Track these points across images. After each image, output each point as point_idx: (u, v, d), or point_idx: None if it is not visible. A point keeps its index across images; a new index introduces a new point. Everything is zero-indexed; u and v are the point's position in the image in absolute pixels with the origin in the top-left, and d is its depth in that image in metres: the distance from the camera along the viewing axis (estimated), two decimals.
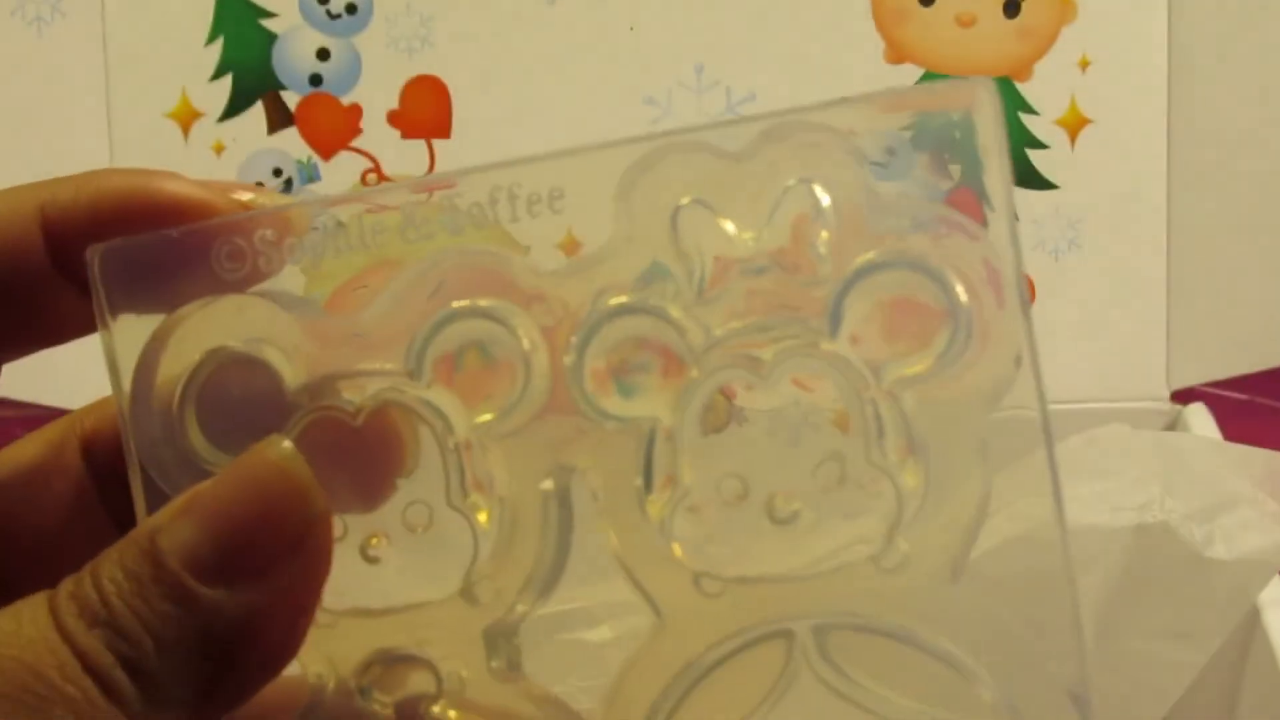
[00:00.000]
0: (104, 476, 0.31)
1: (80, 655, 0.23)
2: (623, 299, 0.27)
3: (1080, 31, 0.60)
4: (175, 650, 0.24)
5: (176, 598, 0.24)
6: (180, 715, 0.24)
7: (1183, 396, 0.60)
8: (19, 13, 0.59)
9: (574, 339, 0.27)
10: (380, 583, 0.27)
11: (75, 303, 0.28)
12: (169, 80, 0.60)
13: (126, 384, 0.28)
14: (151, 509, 0.26)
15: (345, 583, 0.27)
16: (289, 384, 0.27)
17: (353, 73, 0.60)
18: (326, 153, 0.61)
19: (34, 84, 0.59)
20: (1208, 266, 0.59)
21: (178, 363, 0.28)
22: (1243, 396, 0.64)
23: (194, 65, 0.60)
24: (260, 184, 0.60)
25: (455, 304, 0.27)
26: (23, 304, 0.29)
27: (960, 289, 0.25)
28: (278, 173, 0.61)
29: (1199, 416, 0.58)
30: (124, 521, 0.25)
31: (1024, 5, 0.60)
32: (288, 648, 0.25)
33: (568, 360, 0.26)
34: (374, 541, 0.27)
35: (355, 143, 0.61)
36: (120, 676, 0.23)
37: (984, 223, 0.26)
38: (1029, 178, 0.60)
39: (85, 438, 0.31)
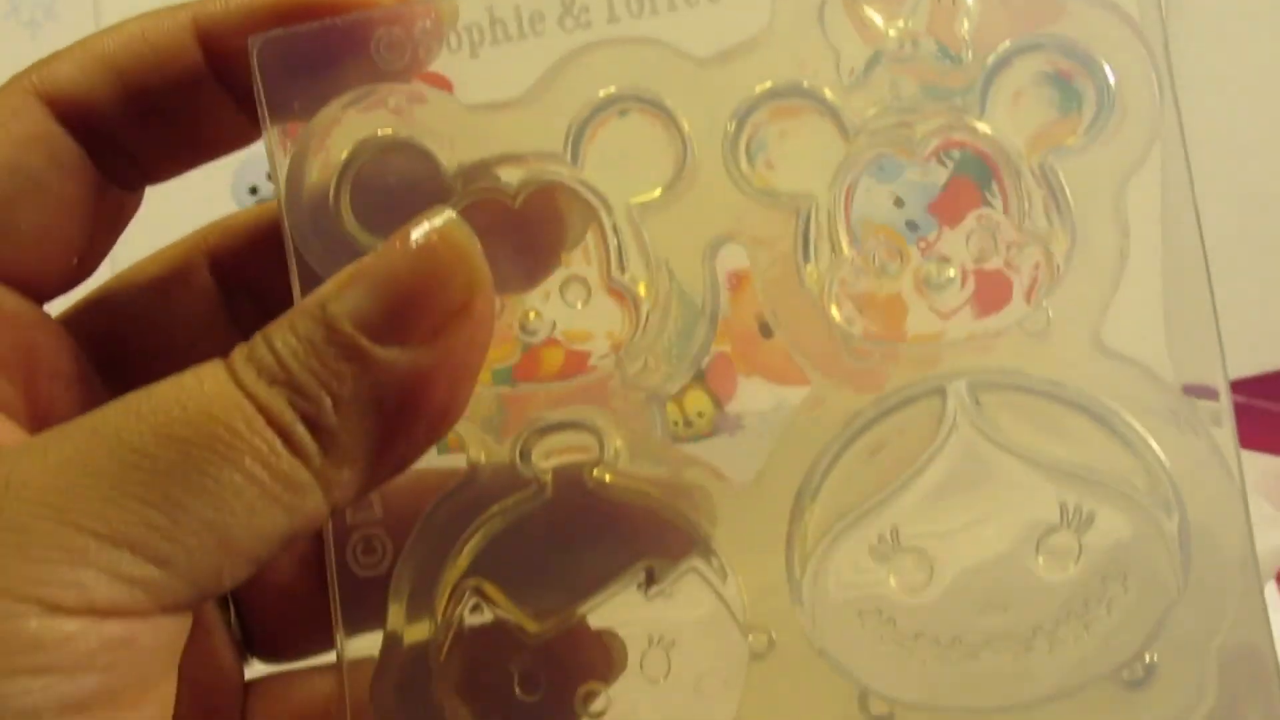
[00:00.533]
0: (233, 292, 0.31)
1: (263, 410, 0.24)
2: (776, 83, 0.28)
3: None
4: (351, 407, 0.24)
5: (351, 356, 0.24)
6: (354, 472, 0.24)
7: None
8: (12, 15, 0.59)
9: (731, 122, 0.28)
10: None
11: (234, 115, 0.29)
12: None
13: (283, 174, 0.28)
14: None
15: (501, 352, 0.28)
16: (445, 168, 0.28)
17: None
18: None
19: None
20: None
21: (334, 151, 0.28)
22: (1240, 399, 0.66)
23: None
24: None
25: (612, 89, 0.28)
26: (182, 115, 0.29)
27: (1108, 68, 0.27)
28: (269, 176, 0.61)
29: None
30: (252, 333, 0.26)
31: None
32: (453, 409, 0.25)
33: (725, 143, 0.28)
34: (531, 315, 0.28)
35: None
36: (301, 431, 0.24)
37: None
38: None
39: (212, 253, 0.31)
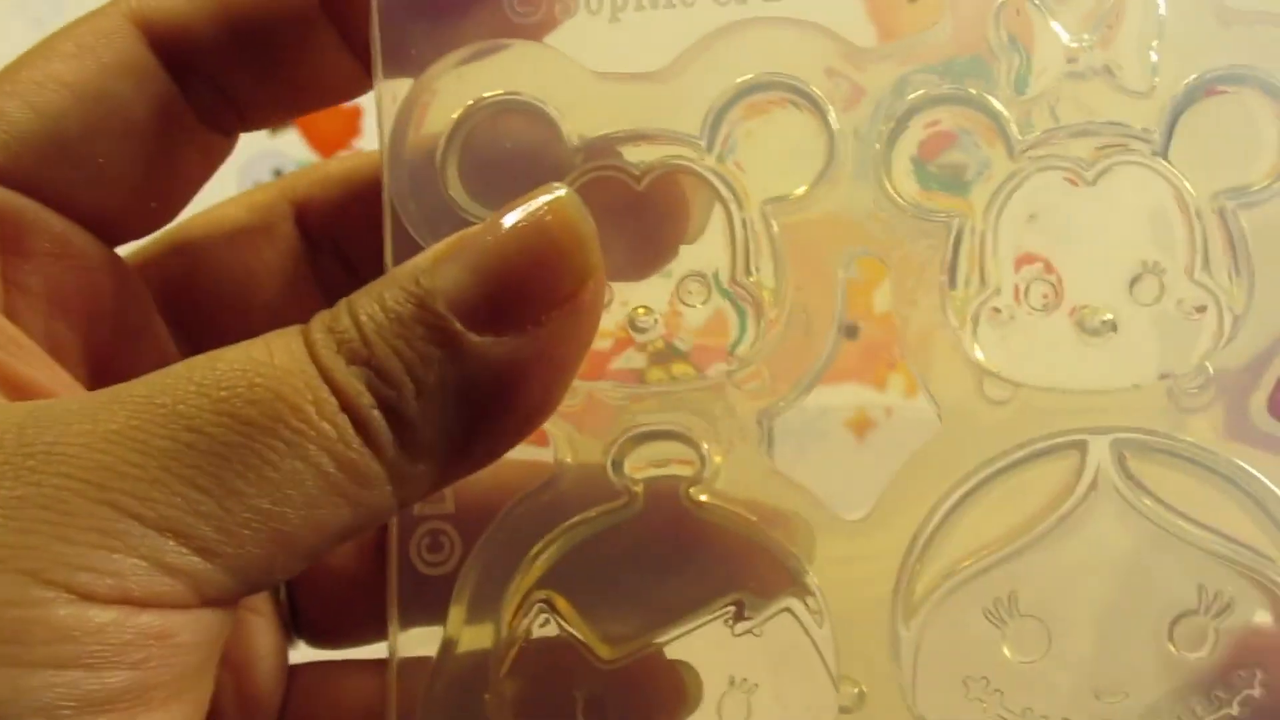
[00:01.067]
0: (319, 248, 0.29)
1: (338, 392, 0.21)
2: (941, 88, 0.25)
3: None
4: (435, 396, 0.22)
5: (441, 340, 0.22)
6: (432, 466, 0.22)
7: None
8: (20, 12, 0.58)
9: (883, 124, 0.25)
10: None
11: (347, 61, 0.27)
12: None
13: (388, 128, 0.26)
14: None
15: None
16: (566, 139, 0.26)
17: None
18: (327, 154, 0.60)
19: None
20: None
21: (446, 108, 0.26)
22: None
23: None
24: None
25: (762, 74, 0.25)
26: (288, 56, 0.27)
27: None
28: (278, 174, 0.60)
29: None
30: (336, 293, 0.23)
31: None
32: (547, 405, 0.23)
33: (877, 145, 0.25)
34: (640, 312, 0.25)
35: (356, 144, 0.59)
36: (378, 418, 0.21)
37: None
38: None
39: (299, 204, 0.29)
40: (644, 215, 0.26)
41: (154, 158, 0.26)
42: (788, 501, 0.26)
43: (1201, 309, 0.25)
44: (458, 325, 0.22)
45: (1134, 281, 0.25)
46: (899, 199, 0.25)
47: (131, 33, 0.26)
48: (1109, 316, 0.25)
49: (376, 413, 0.22)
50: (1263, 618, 0.24)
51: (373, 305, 0.22)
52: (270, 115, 0.27)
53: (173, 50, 0.26)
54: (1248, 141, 0.25)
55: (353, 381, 0.21)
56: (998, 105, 0.25)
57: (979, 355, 0.25)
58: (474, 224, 0.23)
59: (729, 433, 0.26)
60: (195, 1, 0.26)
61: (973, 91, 0.26)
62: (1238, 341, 0.25)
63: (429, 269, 0.22)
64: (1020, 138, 0.25)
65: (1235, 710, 0.24)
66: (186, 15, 0.26)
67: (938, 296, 0.25)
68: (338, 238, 0.28)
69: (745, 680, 0.25)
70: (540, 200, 0.22)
